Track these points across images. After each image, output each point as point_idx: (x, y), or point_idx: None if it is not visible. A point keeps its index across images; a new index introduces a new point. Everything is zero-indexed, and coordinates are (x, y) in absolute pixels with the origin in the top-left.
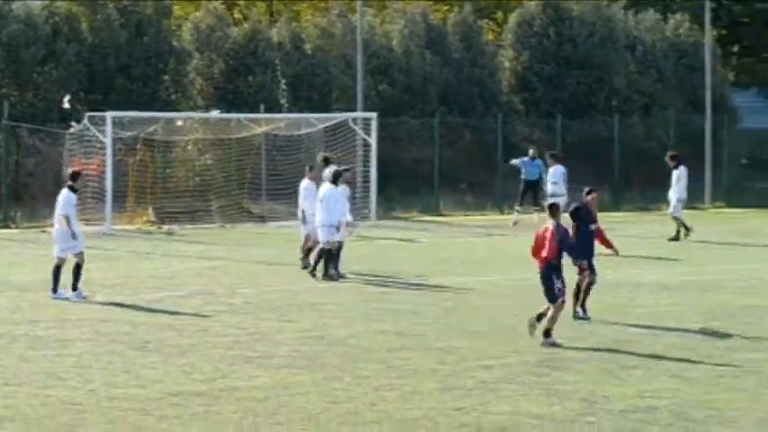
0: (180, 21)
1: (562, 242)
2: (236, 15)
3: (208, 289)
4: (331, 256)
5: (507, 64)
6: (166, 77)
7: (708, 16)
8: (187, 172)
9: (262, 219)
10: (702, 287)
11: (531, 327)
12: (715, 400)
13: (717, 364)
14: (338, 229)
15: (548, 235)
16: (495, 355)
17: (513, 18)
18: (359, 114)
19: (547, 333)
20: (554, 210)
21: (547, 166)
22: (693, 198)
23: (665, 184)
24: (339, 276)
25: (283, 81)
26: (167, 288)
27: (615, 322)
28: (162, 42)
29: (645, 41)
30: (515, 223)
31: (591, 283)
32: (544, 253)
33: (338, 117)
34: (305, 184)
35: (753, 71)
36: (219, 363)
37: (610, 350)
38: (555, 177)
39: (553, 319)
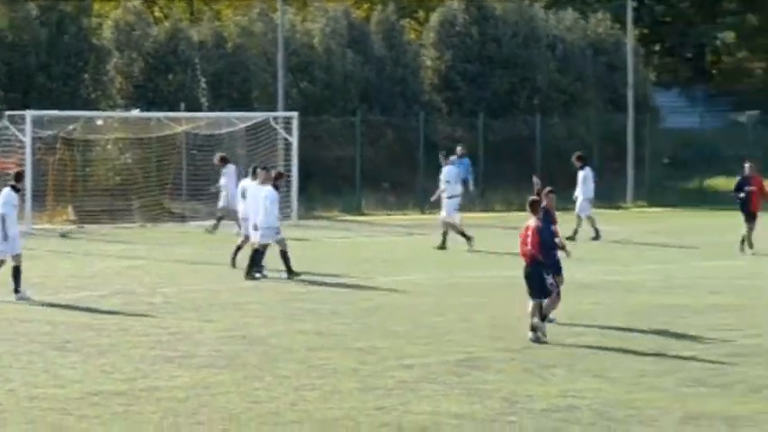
0: (100, 19)
1: (544, 243)
2: (157, 14)
3: (128, 288)
4: (259, 256)
5: (429, 63)
6: (86, 76)
7: (630, 15)
8: (107, 171)
9: (182, 218)
10: (624, 287)
11: (537, 330)
12: (636, 400)
13: (638, 364)
14: (274, 231)
15: (530, 233)
16: (415, 354)
17: (435, 17)
18: (280, 113)
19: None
20: (534, 206)
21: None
22: (615, 197)
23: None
24: (262, 276)
25: (204, 80)
26: (87, 287)
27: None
28: (82, 41)
29: (565, 40)
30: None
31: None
32: (530, 250)
33: (259, 116)
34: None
35: (674, 71)
36: (140, 362)
37: (531, 349)
38: (449, 177)
39: (550, 308)
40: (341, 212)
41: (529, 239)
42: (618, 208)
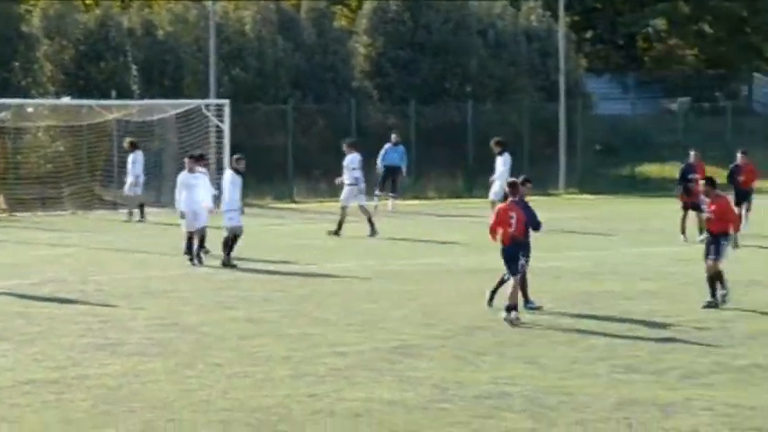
0: (29, 6)
1: (529, 222)
2: (87, 1)
3: (60, 276)
4: (229, 242)
5: (361, 50)
6: (16, 64)
7: (561, 2)
8: (38, 159)
9: (114, 205)
10: (555, 273)
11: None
12: (568, 386)
13: (570, 351)
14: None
15: (513, 213)
16: (347, 341)
17: (367, 4)
18: (211, 101)
19: (513, 308)
20: (514, 188)
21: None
22: (547, 184)
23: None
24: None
25: (135, 67)
26: (19, 275)
27: (468, 308)
28: (11, 28)
29: (497, 27)
30: (375, 208)
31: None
32: (510, 230)
33: (190, 103)
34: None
35: (606, 58)
36: (71, 350)
37: (462, 337)
38: (354, 164)
39: (514, 295)
40: (273, 200)
41: (513, 221)
42: (549, 195)
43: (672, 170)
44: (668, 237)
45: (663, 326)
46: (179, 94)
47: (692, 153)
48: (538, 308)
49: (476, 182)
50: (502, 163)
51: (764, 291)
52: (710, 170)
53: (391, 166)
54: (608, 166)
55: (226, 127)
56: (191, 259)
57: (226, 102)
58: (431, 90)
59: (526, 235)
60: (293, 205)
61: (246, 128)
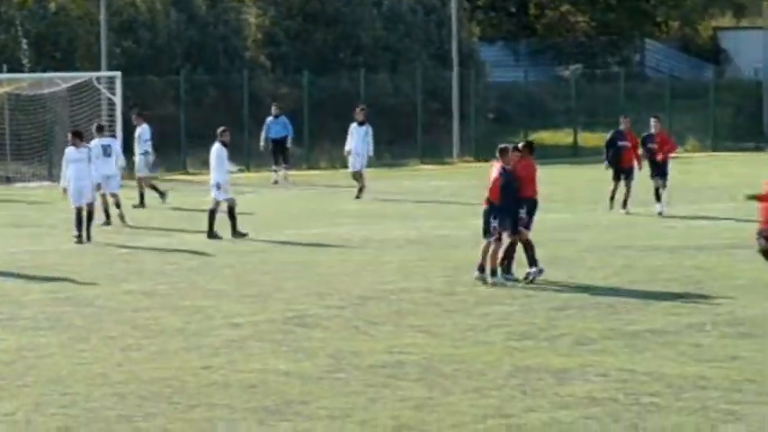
0: None
1: (505, 187)
2: None
3: None
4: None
5: (253, 20)
6: None
7: None
8: None
9: (7, 180)
10: (450, 242)
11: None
12: (463, 354)
13: (465, 318)
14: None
15: (493, 176)
16: (242, 313)
17: None
18: (103, 73)
19: (493, 272)
20: (503, 153)
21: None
22: (442, 153)
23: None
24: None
25: (26, 40)
26: None
27: (362, 278)
28: None
29: None
30: (275, 182)
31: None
32: (487, 193)
33: (82, 76)
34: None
35: (498, 25)
36: None
37: (358, 306)
38: (146, 136)
39: (494, 257)
40: (166, 172)
41: (490, 183)
42: (444, 163)
43: (565, 137)
44: (563, 203)
45: (557, 293)
46: (71, 68)
47: (622, 120)
48: (513, 280)
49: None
50: (364, 133)
51: (657, 257)
52: (603, 137)
53: (277, 138)
54: (502, 133)
55: (117, 99)
56: (77, 236)
57: (117, 74)
58: (324, 60)
59: (502, 199)
60: (186, 176)
61: (139, 100)
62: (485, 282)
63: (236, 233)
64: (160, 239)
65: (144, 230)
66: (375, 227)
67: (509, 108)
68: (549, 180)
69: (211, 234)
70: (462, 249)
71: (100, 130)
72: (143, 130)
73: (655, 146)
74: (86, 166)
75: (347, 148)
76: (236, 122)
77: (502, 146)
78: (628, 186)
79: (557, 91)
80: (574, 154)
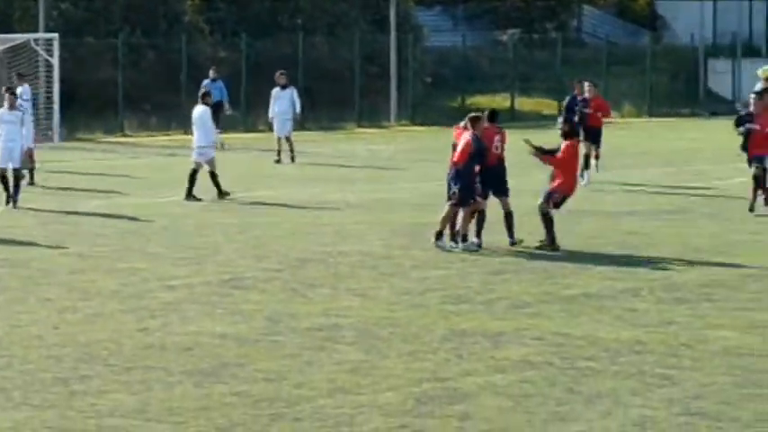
0: None
1: (475, 155)
2: None
3: None
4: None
5: None
6: None
7: None
8: None
9: None
10: (387, 205)
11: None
12: (399, 317)
13: (401, 282)
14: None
15: (462, 141)
16: (178, 275)
17: None
18: (40, 35)
19: (438, 235)
20: (474, 120)
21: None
22: (379, 116)
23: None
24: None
25: None
26: None
27: (300, 241)
28: None
29: None
30: (222, 146)
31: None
32: (455, 157)
33: (19, 38)
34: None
35: None
36: None
37: (294, 269)
38: (25, 96)
39: (444, 221)
40: (104, 134)
41: (459, 147)
42: (382, 127)
43: (503, 101)
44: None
45: (493, 256)
46: (8, 30)
47: (585, 84)
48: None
49: (307, 116)
50: (289, 97)
51: (593, 222)
52: (540, 102)
53: (214, 102)
54: (439, 97)
55: (55, 61)
56: (7, 198)
57: (55, 36)
58: (262, 24)
59: (465, 165)
60: (124, 139)
61: (76, 62)
62: (444, 249)
63: (190, 197)
64: (96, 202)
65: (80, 193)
66: (313, 190)
67: (446, 72)
68: None
69: (221, 192)
70: (399, 213)
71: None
72: (24, 90)
73: (589, 111)
74: (17, 129)
75: (271, 113)
76: (174, 86)
77: (474, 114)
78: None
79: (494, 56)
80: (511, 118)
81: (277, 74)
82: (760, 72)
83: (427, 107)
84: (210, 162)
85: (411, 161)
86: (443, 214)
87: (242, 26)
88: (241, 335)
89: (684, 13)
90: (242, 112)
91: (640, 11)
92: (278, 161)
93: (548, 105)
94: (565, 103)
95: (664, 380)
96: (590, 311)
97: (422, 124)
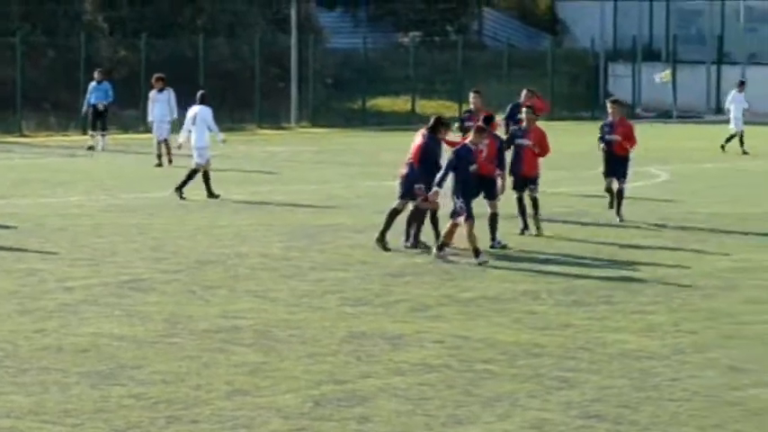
0: None
1: (428, 154)
2: None
3: None
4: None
5: None
6: None
7: None
8: None
9: None
10: (285, 207)
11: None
12: (298, 320)
13: (300, 284)
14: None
15: (417, 141)
16: (75, 276)
17: None
18: None
19: (476, 252)
20: (436, 124)
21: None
22: (279, 118)
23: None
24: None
25: None
26: None
27: (198, 243)
28: None
29: None
30: (90, 148)
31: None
32: (411, 158)
33: None
34: None
35: None
36: None
37: (193, 270)
38: None
39: (471, 238)
40: (1, 134)
41: (414, 148)
42: (282, 129)
43: (404, 104)
44: (398, 170)
45: (394, 259)
46: None
47: (524, 93)
48: (415, 246)
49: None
50: (167, 101)
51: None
52: (442, 104)
53: (97, 104)
54: (340, 99)
55: None
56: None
57: None
58: (162, 24)
59: (421, 164)
60: (22, 139)
61: None
62: (446, 260)
63: (179, 190)
64: None
65: None
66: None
67: (348, 74)
68: (387, 147)
69: (179, 190)
70: (298, 214)
71: None
72: None
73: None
74: None
75: (150, 117)
76: (73, 85)
77: (437, 116)
78: None
79: (395, 58)
80: (412, 121)
81: (154, 77)
82: (658, 78)
83: (328, 109)
84: (207, 163)
85: (311, 163)
86: (449, 230)
87: (142, 26)
88: (139, 336)
89: (585, 17)
90: (140, 111)
91: (541, 14)
92: (159, 165)
93: (449, 108)
94: (507, 109)
95: (562, 383)
96: (489, 314)
97: (322, 126)
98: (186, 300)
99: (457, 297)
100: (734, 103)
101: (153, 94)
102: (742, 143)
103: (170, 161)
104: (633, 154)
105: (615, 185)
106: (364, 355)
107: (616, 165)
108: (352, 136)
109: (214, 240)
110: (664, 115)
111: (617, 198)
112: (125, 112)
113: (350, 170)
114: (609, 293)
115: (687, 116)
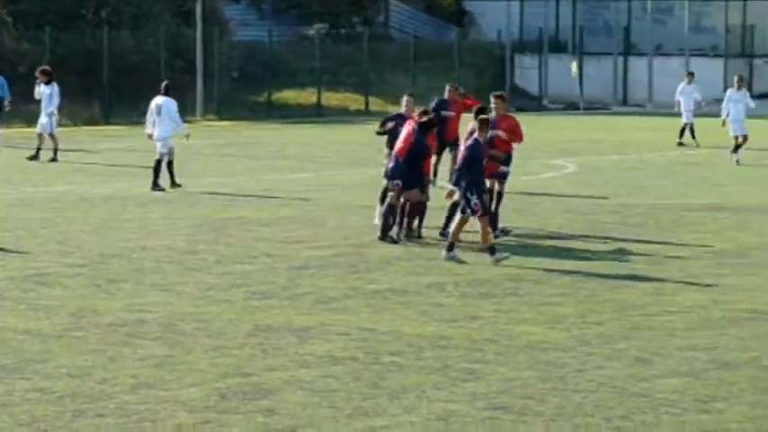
0: None
1: (415, 146)
2: None
3: None
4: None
5: None
6: None
7: None
8: None
9: None
10: (191, 200)
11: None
12: (204, 313)
13: (206, 277)
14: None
15: (406, 132)
16: None
17: None
18: None
19: (492, 250)
20: (429, 124)
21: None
22: (185, 111)
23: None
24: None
25: None
26: None
27: (103, 236)
28: None
29: None
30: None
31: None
32: (396, 148)
33: None
34: None
35: None
36: None
37: (98, 264)
38: None
39: (485, 234)
40: None
41: (402, 137)
42: (187, 122)
43: (309, 96)
44: (305, 163)
45: (299, 252)
46: None
47: (447, 87)
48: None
49: (113, 110)
50: (48, 95)
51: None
52: (347, 97)
53: None
54: (245, 92)
55: None
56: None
57: None
58: (67, 16)
59: (406, 156)
60: None
61: None
62: (456, 260)
63: (156, 186)
64: None
65: None
66: (117, 184)
67: (253, 67)
68: (292, 140)
69: (156, 186)
70: (203, 208)
71: None
72: None
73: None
74: None
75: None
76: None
77: (424, 109)
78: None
79: (301, 50)
80: (318, 114)
81: (38, 70)
82: (573, 68)
83: (234, 102)
84: (171, 152)
85: (217, 156)
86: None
87: (46, 19)
88: (44, 330)
89: (491, 9)
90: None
91: (448, 6)
92: (34, 157)
93: (355, 100)
94: (432, 105)
95: (468, 374)
96: (395, 306)
97: (228, 119)
98: (91, 293)
99: (363, 289)
100: (683, 95)
101: (41, 87)
102: (693, 135)
103: (54, 155)
104: (517, 152)
105: (497, 186)
106: (270, 348)
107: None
108: (257, 129)
109: (119, 234)
110: (570, 107)
111: (496, 199)
112: (30, 107)
113: (255, 163)
114: (516, 285)
115: (594, 108)
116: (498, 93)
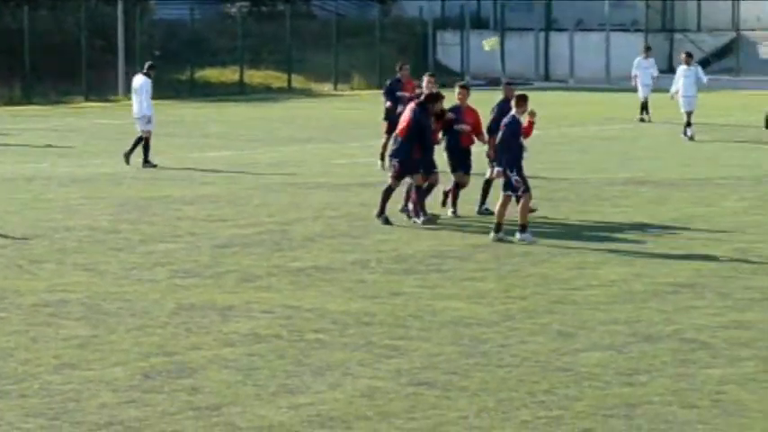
0: None
1: (415, 128)
2: None
3: None
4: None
5: None
6: None
7: None
8: None
9: None
10: (113, 180)
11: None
12: (127, 292)
13: (129, 257)
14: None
15: (407, 112)
16: None
17: None
18: None
19: (523, 227)
20: (429, 99)
21: None
22: (106, 90)
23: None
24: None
25: None
26: None
27: (25, 217)
28: None
29: None
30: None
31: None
32: (399, 128)
33: None
34: None
35: None
36: None
37: (19, 244)
38: None
39: (524, 211)
40: None
41: (405, 117)
42: (108, 101)
43: (232, 74)
44: (228, 141)
45: (222, 230)
46: None
47: (400, 67)
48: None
49: (34, 90)
50: None
51: (323, 194)
52: (269, 75)
53: None
54: (168, 71)
55: None
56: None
57: None
58: None
59: (407, 138)
60: None
61: None
62: (504, 241)
63: (147, 162)
64: None
65: None
66: (39, 165)
67: (175, 45)
68: (215, 118)
69: (147, 163)
70: (126, 187)
71: None
72: None
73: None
74: None
75: None
76: None
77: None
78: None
79: (223, 28)
80: (240, 92)
81: None
82: (488, 46)
83: (156, 81)
84: (148, 131)
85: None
86: (501, 207)
87: None
88: None
89: None
90: None
91: None
92: None
93: (277, 78)
94: (386, 84)
95: (392, 351)
96: (319, 284)
97: (152, 98)
98: (13, 274)
99: (287, 267)
100: (639, 68)
101: None
102: (646, 110)
103: None
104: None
105: (466, 179)
106: (194, 327)
107: (462, 156)
108: (180, 107)
109: (41, 214)
110: (493, 83)
111: (453, 192)
112: None
113: (178, 141)
114: (439, 261)
115: (516, 83)
116: (463, 82)
